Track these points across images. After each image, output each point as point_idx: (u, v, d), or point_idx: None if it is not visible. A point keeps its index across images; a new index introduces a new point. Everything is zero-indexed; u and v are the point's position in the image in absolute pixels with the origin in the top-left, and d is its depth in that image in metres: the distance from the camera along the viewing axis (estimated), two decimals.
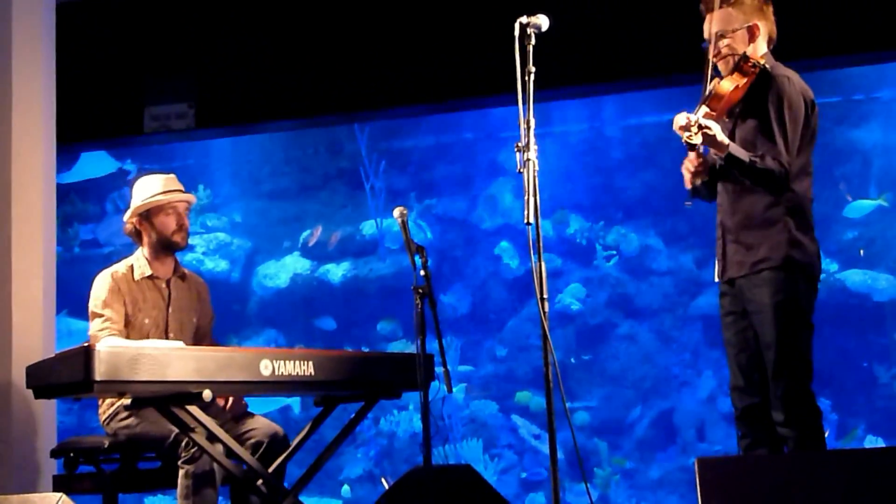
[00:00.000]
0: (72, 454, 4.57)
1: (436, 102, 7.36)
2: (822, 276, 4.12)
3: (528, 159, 3.69)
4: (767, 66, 4.04)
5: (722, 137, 3.91)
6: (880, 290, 8.86)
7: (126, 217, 4.87)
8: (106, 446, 4.55)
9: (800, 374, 3.91)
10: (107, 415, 4.62)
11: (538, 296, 3.66)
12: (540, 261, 3.65)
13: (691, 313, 9.24)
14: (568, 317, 9.46)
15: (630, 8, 6.64)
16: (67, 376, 3.75)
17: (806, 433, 3.88)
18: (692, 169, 4.05)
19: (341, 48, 7.15)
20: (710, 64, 4.07)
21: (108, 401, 4.61)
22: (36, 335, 5.54)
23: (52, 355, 4.09)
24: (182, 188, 4.90)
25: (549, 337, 3.63)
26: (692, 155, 4.02)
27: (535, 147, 3.71)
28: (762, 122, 3.99)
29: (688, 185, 4.12)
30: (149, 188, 4.83)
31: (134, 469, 4.65)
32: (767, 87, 4.00)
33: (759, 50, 4.11)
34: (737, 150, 3.92)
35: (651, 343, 9.35)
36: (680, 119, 3.94)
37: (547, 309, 3.67)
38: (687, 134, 3.88)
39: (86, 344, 3.74)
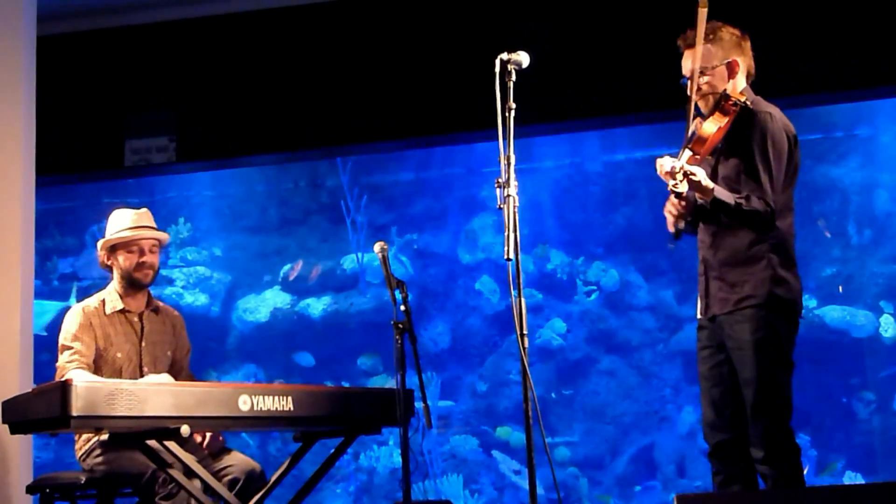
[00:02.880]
0: (48, 490, 4.53)
1: (417, 137, 7.37)
2: (802, 311, 4.12)
3: (509, 195, 3.68)
4: (748, 102, 4.01)
5: (707, 182, 3.86)
6: (859, 327, 8.90)
7: (97, 249, 4.84)
8: (82, 482, 4.51)
9: (779, 413, 3.89)
10: (83, 450, 4.58)
11: (518, 331, 3.64)
12: (520, 296, 3.63)
13: (671, 349, 9.25)
14: (548, 352, 9.45)
15: (610, 45, 6.69)
16: (44, 411, 3.72)
17: (785, 471, 3.86)
18: (675, 213, 4.01)
19: (323, 82, 7.16)
20: (692, 101, 4.02)
21: (85, 436, 4.56)
22: (13, 369, 5.49)
23: (30, 390, 4.05)
24: (153, 225, 4.83)
25: (528, 372, 3.61)
26: (675, 199, 3.97)
27: (516, 183, 3.70)
28: (746, 160, 3.96)
29: (671, 229, 4.06)
30: (119, 222, 4.78)
31: None
32: (750, 124, 3.97)
33: (739, 86, 4.10)
34: (722, 193, 3.89)
35: (631, 378, 9.35)
36: (664, 165, 3.90)
37: (526, 344, 3.64)
38: (672, 182, 3.85)
39: (63, 379, 3.71)
